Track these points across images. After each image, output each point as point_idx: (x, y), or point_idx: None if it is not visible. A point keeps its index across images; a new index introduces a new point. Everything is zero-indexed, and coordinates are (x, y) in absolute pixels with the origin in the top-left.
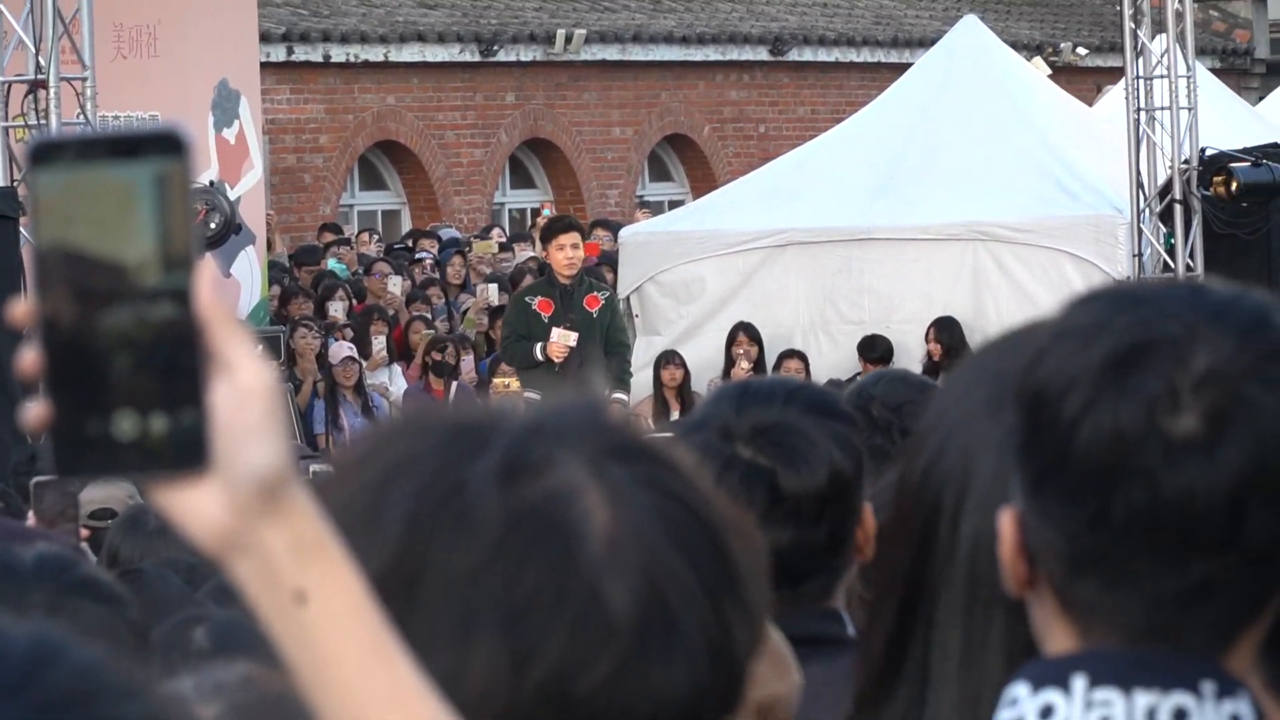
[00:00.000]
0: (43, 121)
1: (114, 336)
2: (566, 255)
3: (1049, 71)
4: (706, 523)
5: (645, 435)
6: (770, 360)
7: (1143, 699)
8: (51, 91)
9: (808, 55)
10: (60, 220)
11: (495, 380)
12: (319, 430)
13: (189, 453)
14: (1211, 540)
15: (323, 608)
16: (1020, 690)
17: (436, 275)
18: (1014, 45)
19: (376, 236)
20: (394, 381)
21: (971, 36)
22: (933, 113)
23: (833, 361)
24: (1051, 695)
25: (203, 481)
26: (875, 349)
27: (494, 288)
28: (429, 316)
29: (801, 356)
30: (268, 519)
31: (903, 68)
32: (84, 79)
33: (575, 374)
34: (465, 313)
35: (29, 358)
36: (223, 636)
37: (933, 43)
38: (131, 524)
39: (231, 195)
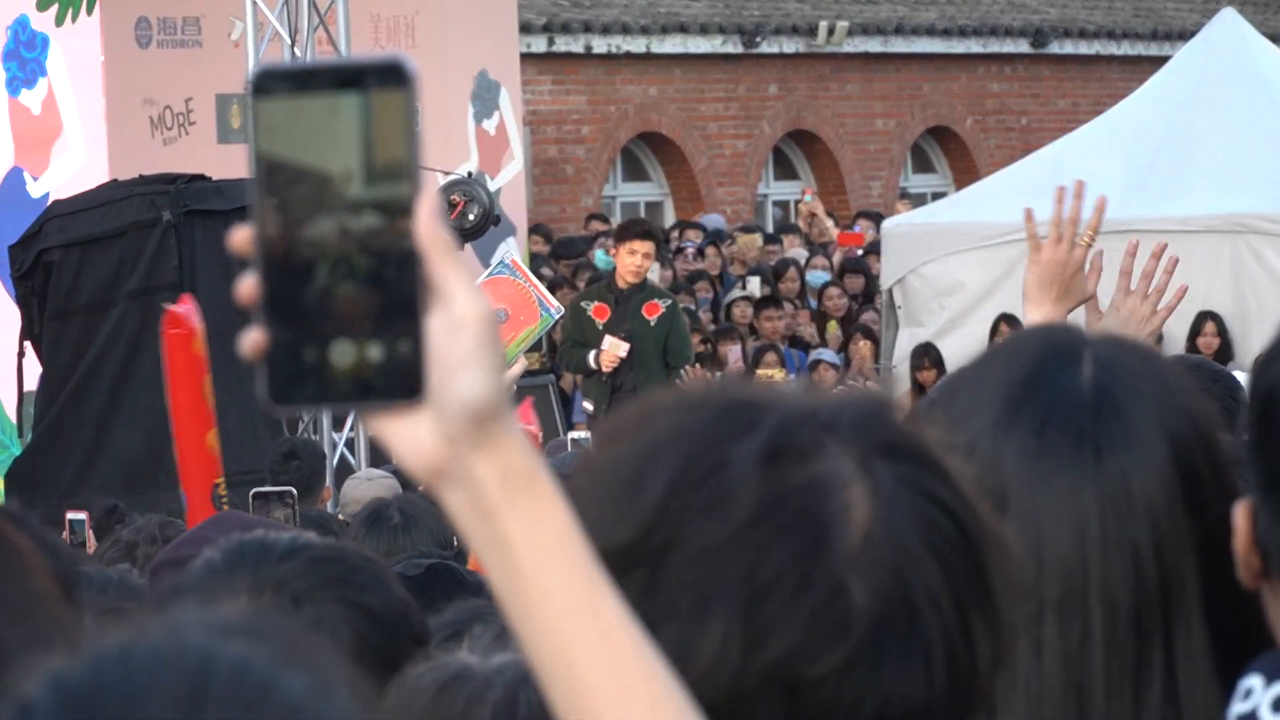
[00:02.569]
0: None
1: (326, 258)
2: (636, 262)
3: None
4: (966, 533)
5: (922, 436)
6: None
7: None
8: None
9: (1068, 48)
10: (273, 139)
11: (758, 372)
12: (579, 419)
13: (404, 383)
14: None
15: (529, 540)
16: (1254, 681)
17: (702, 267)
18: (1273, 38)
19: None
20: None
21: (1230, 29)
22: (1191, 105)
23: None
24: None
25: (416, 411)
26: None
27: (756, 280)
28: (693, 308)
29: None
30: (478, 449)
31: (1163, 60)
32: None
33: (624, 385)
34: (730, 306)
35: (247, 285)
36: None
37: (1192, 35)
38: (374, 519)
39: (491, 186)
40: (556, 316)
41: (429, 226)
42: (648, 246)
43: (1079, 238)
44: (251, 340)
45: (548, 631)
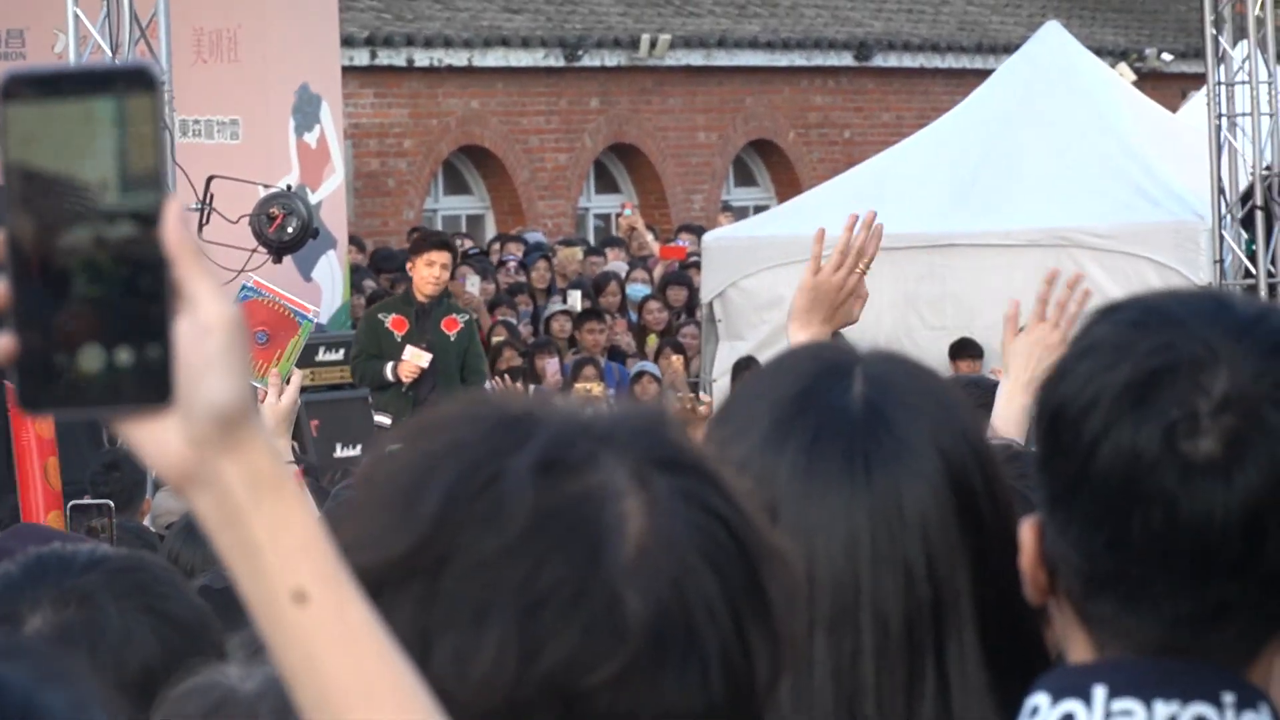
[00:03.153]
0: None
1: (78, 264)
2: (434, 274)
3: (1133, 78)
4: (743, 545)
5: (698, 450)
6: None
7: (1163, 709)
8: None
9: (893, 61)
10: (27, 147)
11: (577, 385)
12: None
13: (153, 387)
14: (1229, 563)
15: (275, 543)
16: (1040, 699)
17: (523, 280)
18: (1098, 51)
19: (469, 242)
20: None
21: (1054, 42)
22: (1015, 119)
23: None
24: (1071, 705)
25: (164, 415)
26: (967, 350)
27: (577, 293)
28: (513, 321)
29: None
30: (225, 453)
31: (987, 74)
32: (161, 83)
33: (428, 399)
34: (549, 319)
35: None
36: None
37: (1017, 48)
38: (190, 530)
39: (312, 200)
40: (314, 319)
41: (176, 232)
42: (445, 257)
43: (860, 266)
44: (2, 347)
45: (293, 635)
